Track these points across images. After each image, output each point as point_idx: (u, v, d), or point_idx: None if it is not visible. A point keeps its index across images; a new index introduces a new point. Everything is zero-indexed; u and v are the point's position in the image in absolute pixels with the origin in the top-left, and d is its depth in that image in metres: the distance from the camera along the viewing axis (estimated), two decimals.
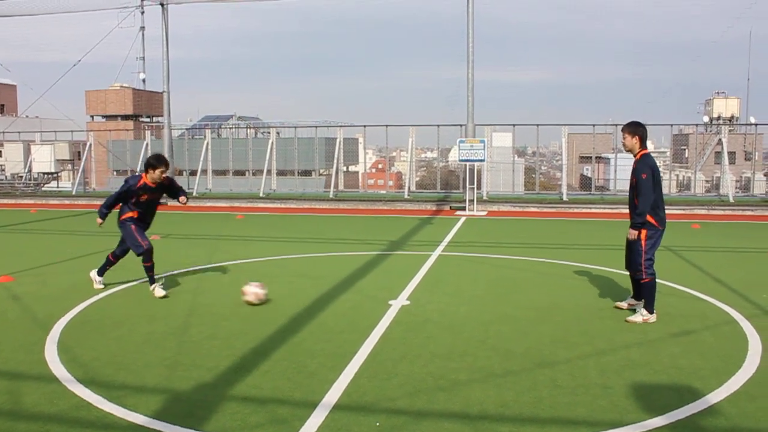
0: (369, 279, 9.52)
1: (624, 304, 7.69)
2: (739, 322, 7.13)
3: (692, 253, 11.94)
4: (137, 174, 8.78)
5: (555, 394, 5.05)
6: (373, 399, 4.97)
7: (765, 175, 29.53)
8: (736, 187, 25.55)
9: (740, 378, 5.38)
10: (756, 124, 28.84)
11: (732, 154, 33.64)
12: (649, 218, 7.13)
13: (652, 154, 7.50)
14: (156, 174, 8.48)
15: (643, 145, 7.31)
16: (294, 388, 5.19)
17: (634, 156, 7.35)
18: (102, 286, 8.86)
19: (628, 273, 7.65)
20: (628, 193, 7.52)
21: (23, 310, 7.72)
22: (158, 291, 8.38)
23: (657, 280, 7.31)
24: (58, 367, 5.67)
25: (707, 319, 7.22)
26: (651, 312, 7.19)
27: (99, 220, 8.61)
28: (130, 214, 8.61)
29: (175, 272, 9.98)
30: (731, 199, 21.63)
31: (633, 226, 7.19)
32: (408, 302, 7.98)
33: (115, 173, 33.33)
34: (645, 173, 7.07)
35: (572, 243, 13.36)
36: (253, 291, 7.88)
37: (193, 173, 27.32)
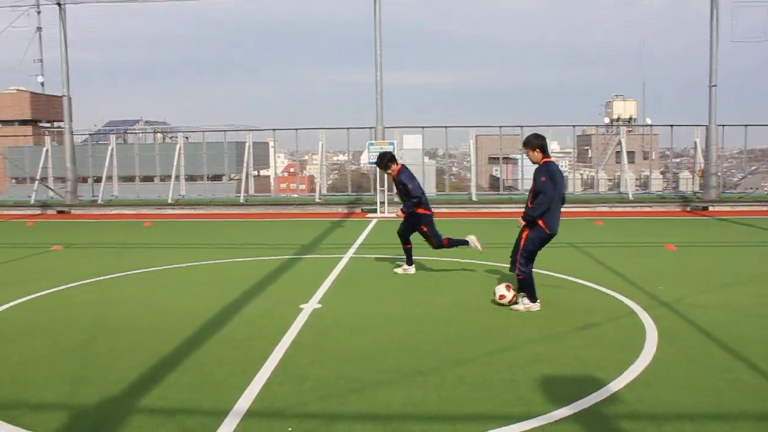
0: (280, 284, 9.45)
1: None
2: (637, 313, 7.46)
3: (595, 249, 12.40)
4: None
5: (463, 391, 5.15)
6: (284, 404, 4.93)
7: (661, 173, 30.99)
8: (635, 185, 26.70)
9: (638, 366, 5.63)
10: (652, 125, 30.25)
11: (631, 154, 35.08)
12: (538, 221, 7.47)
13: (559, 155, 7.81)
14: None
15: (545, 154, 7.57)
16: (203, 397, 5.10)
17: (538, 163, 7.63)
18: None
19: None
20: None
21: None
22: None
23: (542, 275, 7.62)
24: None
25: (609, 312, 7.51)
26: (534, 300, 7.61)
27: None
28: None
29: (79, 283, 9.61)
30: (631, 197, 22.60)
31: (524, 217, 7.55)
32: (319, 305, 7.96)
33: (13, 181, 31.85)
34: (543, 176, 7.39)
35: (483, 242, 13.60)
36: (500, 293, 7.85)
37: (97, 180, 26.37)
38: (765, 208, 20.95)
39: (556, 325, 7.04)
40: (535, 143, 7.56)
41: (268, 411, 4.82)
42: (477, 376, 5.47)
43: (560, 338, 6.55)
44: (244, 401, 4.98)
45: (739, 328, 6.83)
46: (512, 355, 6.01)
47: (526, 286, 7.60)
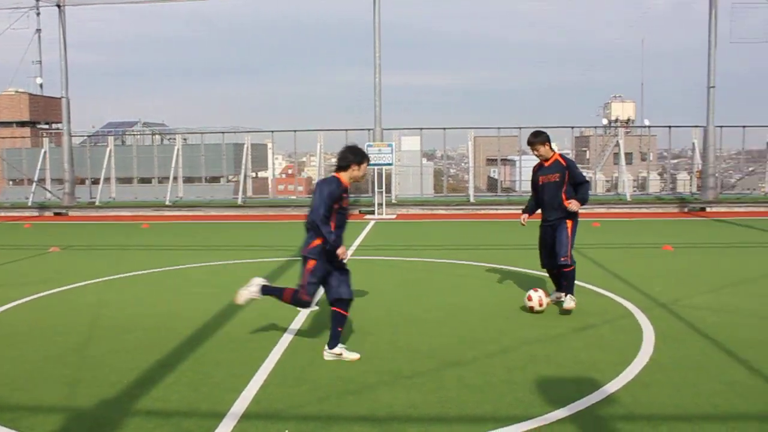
0: (277, 285, 9.40)
1: (552, 298, 8.00)
2: (635, 314, 7.46)
3: (593, 250, 12.40)
4: (330, 176, 6.29)
5: (462, 393, 5.14)
6: (282, 406, 4.93)
7: (659, 174, 31.01)
8: (633, 186, 26.71)
9: (635, 368, 5.63)
10: (650, 126, 30.26)
11: (629, 155, 35.04)
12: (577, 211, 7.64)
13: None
14: (361, 170, 6.29)
15: (551, 148, 7.79)
16: (200, 399, 5.09)
17: (547, 159, 7.74)
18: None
19: (546, 270, 8.10)
20: (548, 192, 7.72)
21: None
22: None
23: (539, 277, 7.66)
24: None
25: (606, 314, 7.52)
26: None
27: (341, 250, 6.24)
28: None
29: (76, 285, 9.60)
30: (628, 198, 22.62)
31: (582, 202, 7.64)
32: (317, 307, 7.94)
33: (11, 183, 31.80)
34: (577, 169, 7.73)
35: (480, 244, 13.64)
36: (537, 297, 7.55)
37: (95, 182, 26.36)
38: (763, 209, 20.99)
39: (555, 326, 7.04)
40: (546, 137, 7.72)
41: (266, 413, 4.82)
42: (476, 378, 5.47)
43: (558, 340, 6.56)
44: (242, 403, 4.97)
45: (737, 329, 6.83)
46: (511, 357, 6.01)
47: (571, 280, 7.60)
